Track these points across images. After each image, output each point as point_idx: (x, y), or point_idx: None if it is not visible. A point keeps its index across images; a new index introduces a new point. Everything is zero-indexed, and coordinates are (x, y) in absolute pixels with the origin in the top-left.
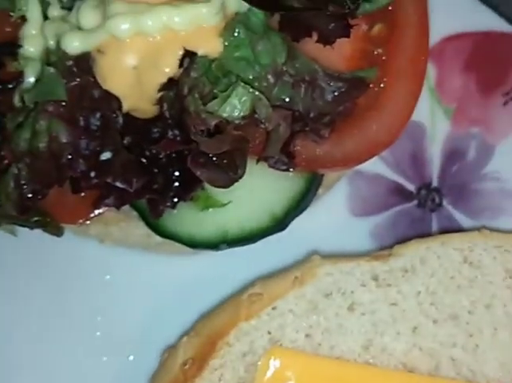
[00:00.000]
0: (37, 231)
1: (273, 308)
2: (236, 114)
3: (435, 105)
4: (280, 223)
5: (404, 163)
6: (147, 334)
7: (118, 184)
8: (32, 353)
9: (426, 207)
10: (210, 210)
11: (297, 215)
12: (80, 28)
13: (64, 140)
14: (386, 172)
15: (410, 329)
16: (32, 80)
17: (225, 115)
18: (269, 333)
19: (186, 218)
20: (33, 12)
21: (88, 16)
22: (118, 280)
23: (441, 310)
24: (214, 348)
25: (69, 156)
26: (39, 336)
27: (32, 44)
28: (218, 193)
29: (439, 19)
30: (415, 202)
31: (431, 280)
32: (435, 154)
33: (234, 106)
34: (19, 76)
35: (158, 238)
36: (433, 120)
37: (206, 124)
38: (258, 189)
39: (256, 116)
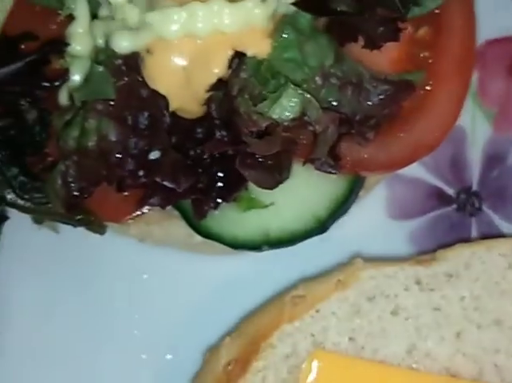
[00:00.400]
0: (76, 228)
1: (317, 310)
2: (286, 116)
3: (476, 109)
4: (322, 226)
5: (444, 167)
6: (186, 334)
7: (166, 184)
8: (70, 350)
9: (465, 211)
10: (253, 211)
11: (338, 218)
12: (129, 27)
13: (113, 139)
14: (425, 176)
15: (454, 334)
16: (77, 77)
17: (275, 116)
18: (313, 335)
19: (228, 218)
20: (81, 10)
21: (137, 15)
22: (156, 279)
23: (485, 316)
24: (258, 349)
25: (118, 155)
26: (77, 333)
27: (79, 42)
28: (261, 194)
29: (481, 22)
30: (455, 206)
31: (475, 285)
32: (475, 158)
33: (284, 108)
34: (65, 73)
35: (199, 238)
36: (474, 123)
37: (257, 126)
38: (301, 190)
39: (305, 118)
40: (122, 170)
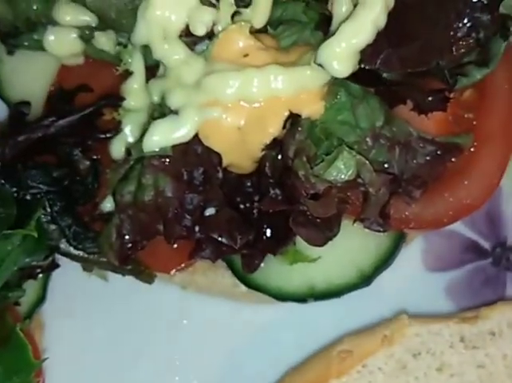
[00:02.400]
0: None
1: (363, 366)
2: (341, 178)
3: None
4: (367, 279)
5: (480, 221)
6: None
7: (223, 240)
8: None
9: (501, 265)
10: (299, 263)
11: (382, 271)
12: (184, 86)
13: (170, 195)
14: (461, 229)
15: None
16: (129, 131)
17: (331, 179)
18: None
19: (274, 270)
20: (138, 67)
21: (192, 76)
22: (197, 325)
23: None
24: None
25: (175, 211)
26: (118, 378)
27: (134, 98)
28: (307, 247)
29: None
30: (490, 260)
31: None
32: (511, 212)
33: (340, 170)
34: (117, 126)
35: (243, 288)
36: (509, 179)
37: (315, 189)
38: (346, 245)
39: (358, 179)
40: (179, 225)
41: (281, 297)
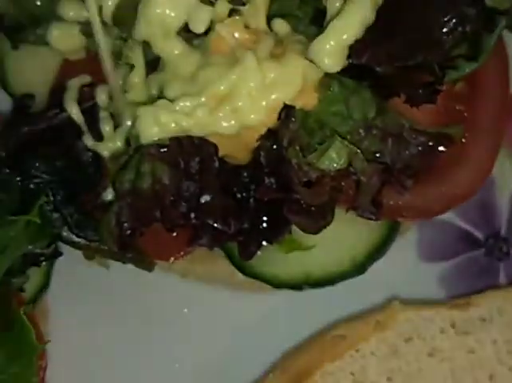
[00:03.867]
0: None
1: (356, 350)
2: (333, 167)
3: (504, 155)
4: (361, 268)
5: (473, 212)
6: (226, 368)
7: (217, 226)
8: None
9: (493, 255)
10: (295, 252)
11: (376, 260)
12: (181, 78)
13: (167, 182)
14: (454, 219)
15: (487, 376)
16: (129, 122)
17: (323, 167)
18: (353, 374)
19: (270, 258)
20: (138, 61)
21: (189, 68)
22: (197, 313)
23: None
24: None
25: (172, 198)
26: (117, 365)
27: (134, 91)
28: (302, 236)
29: None
30: (483, 250)
31: (508, 330)
32: (504, 203)
33: (332, 159)
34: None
35: (241, 276)
36: (502, 170)
37: (308, 176)
38: (341, 234)
39: (350, 168)
40: (175, 212)
41: (278, 284)
